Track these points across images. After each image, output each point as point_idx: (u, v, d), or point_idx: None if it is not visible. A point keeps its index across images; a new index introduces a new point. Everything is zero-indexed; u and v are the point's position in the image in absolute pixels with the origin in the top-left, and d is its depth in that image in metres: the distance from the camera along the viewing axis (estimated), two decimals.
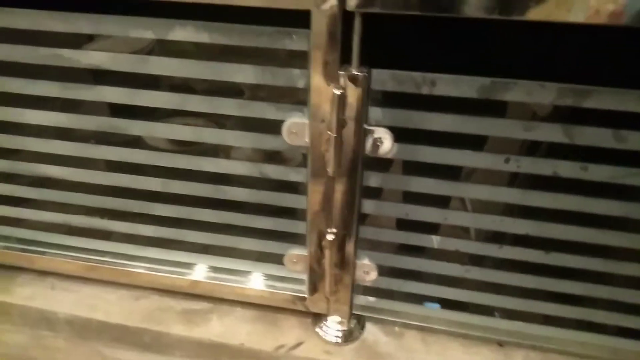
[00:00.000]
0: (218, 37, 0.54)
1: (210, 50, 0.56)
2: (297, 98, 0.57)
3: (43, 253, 0.78)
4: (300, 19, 0.50)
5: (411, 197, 0.61)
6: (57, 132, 0.66)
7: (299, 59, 0.53)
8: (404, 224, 0.64)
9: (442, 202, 0.62)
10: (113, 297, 0.78)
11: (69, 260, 0.77)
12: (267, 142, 0.60)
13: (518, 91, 0.50)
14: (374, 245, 0.66)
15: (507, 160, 0.55)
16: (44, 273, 0.80)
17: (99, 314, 0.76)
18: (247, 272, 0.74)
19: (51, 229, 0.77)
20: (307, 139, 0.58)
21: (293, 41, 0.52)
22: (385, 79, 0.52)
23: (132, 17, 0.54)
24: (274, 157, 0.65)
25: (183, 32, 0.54)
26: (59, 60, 0.58)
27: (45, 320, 0.78)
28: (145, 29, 0.54)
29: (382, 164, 0.59)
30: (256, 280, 0.74)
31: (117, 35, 0.56)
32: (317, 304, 0.72)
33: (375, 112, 0.54)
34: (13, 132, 0.67)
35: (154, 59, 0.56)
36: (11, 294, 0.78)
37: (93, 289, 0.79)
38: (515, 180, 0.66)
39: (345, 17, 0.49)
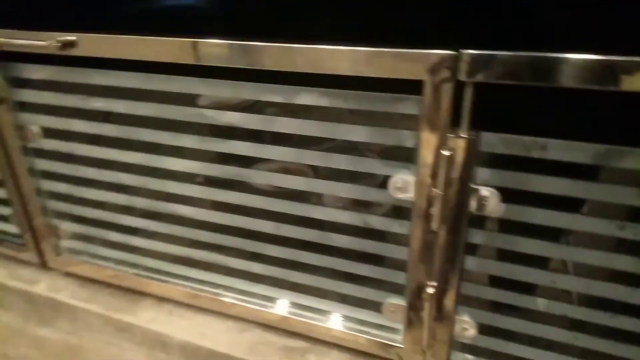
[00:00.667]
0: (337, 102, 0.60)
1: (326, 111, 0.63)
2: (405, 156, 0.61)
3: (165, 282, 0.88)
4: (411, 87, 0.55)
5: (516, 257, 0.61)
6: (188, 177, 0.76)
7: (409, 121, 0.58)
8: (507, 283, 0.64)
9: (548, 264, 0.61)
10: (221, 328, 0.85)
11: (187, 290, 0.86)
12: (373, 194, 0.65)
13: (634, 159, 0.49)
14: (474, 302, 0.66)
15: (621, 227, 0.53)
16: (164, 300, 0.90)
17: (208, 342, 0.83)
18: (346, 317, 0.77)
19: (174, 260, 0.87)
20: (412, 194, 0.61)
21: (405, 106, 0.57)
22: (494, 142, 0.55)
23: (265, 84, 0.63)
24: (378, 208, 0.69)
25: (308, 97, 0.61)
26: (201, 118, 0.69)
27: (161, 343, 0.87)
28: (276, 94, 0.63)
29: (487, 222, 0.60)
30: (354, 325, 0.76)
31: (251, 99, 0.65)
32: (412, 356, 0.72)
33: (482, 173, 0.57)
34: (154, 175, 0.79)
35: (280, 119, 0.64)
36: (136, 315, 0.88)
37: (204, 318, 0.87)
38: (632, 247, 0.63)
39: (456, 84, 0.52)
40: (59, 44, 0.69)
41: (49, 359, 1.04)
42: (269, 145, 0.67)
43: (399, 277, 0.69)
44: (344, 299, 0.76)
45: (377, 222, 0.67)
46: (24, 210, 0.92)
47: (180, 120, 0.70)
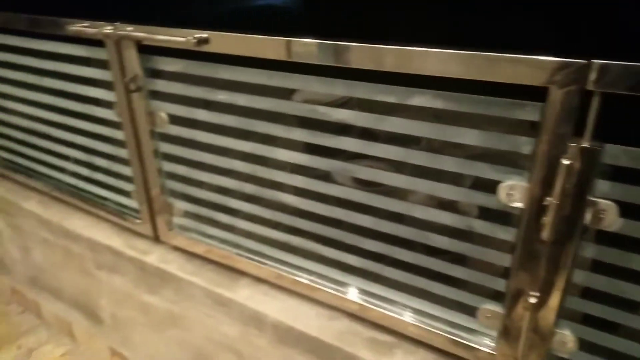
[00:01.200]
0: (452, 105, 0.62)
1: (433, 112, 0.65)
2: (517, 162, 0.61)
3: (263, 264, 0.94)
4: (532, 93, 0.55)
5: (627, 274, 0.59)
6: (296, 169, 0.81)
7: (527, 128, 0.58)
8: (616, 301, 0.62)
9: None
10: (312, 313, 0.90)
11: (283, 274, 0.92)
12: (480, 199, 0.65)
13: None
14: (578, 317, 0.65)
15: None
16: (260, 280, 0.97)
17: (299, 324, 0.88)
18: (437, 317, 0.78)
19: (274, 244, 0.93)
20: (522, 201, 0.61)
21: (525, 112, 0.57)
22: (618, 154, 0.53)
23: (379, 84, 0.66)
24: (484, 213, 0.70)
25: (421, 99, 0.63)
26: (315, 114, 0.73)
27: (256, 320, 0.93)
28: (389, 95, 0.65)
29: (601, 236, 0.58)
30: (443, 326, 0.77)
31: (364, 97, 0.68)
32: None
33: (602, 185, 0.55)
34: (263, 164, 0.85)
35: (392, 119, 0.67)
36: (235, 292, 0.96)
37: (296, 302, 0.92)
38: None
39: (582, 93, 0.52)
40: (195, 40, 0.76)
41: (152, 323, 1.16)
42: (376, 143, 0.70)
43: (498, 284, 0.69)
44: (438, 300, 0.77)
45: (481, 226, 0.67)
46: (145, 187, 1.03)
47: (292, 115, 0.75)
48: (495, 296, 0.70)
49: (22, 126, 1.25)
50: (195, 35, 0.77)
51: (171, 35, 0.80)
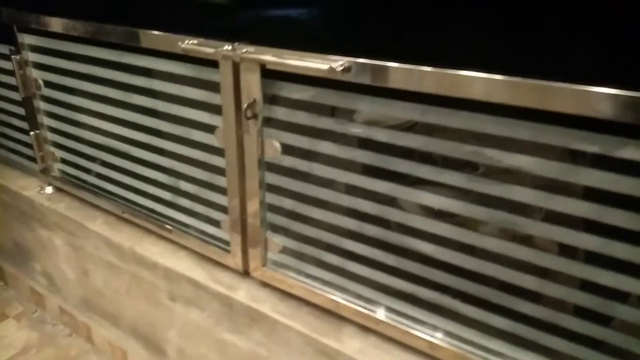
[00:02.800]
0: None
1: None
2: None
3: (373, 312, 0.85)
4: None
5: None
6: (432, 213, 0.73)
7: None
8: None
9: None
10: None
11: (396, 325, 0.83)
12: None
13: None
14: None
15: None
16: (369, 330, 0.88)
17: None
18: None
19: (388, 292, 0.84)
20: None
21: None
22: None
23: (578, 130, 0.58)
24: None
25: (633, 152, 0.55)
26: (479, 157, 0.65)
27: None
28: (590, 144, 0.57)
29: None
30: None
31: (554, 145, 0.60)
32: None
33: None
34: (391, 205, 0.77)
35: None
36: (342, 343, 0.87)
37: (408, 356, 0.83)
38: None
39: None
40: (340, 69, 0.69)
41: None
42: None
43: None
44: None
45: None
46: (241, 218, 0.94)
47: (452, 157, 0.67)
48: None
49: (94, 141, 1.18)
50: (339, 64, 0.69)
51: (306, 61, 0.72)
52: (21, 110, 1.31)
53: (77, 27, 1.03)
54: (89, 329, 1.42)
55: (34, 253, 1.47)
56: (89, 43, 1.04)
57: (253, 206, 0.92)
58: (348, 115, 0.75)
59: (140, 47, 0.94)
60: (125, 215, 1.19)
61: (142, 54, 0.96)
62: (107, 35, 0.98)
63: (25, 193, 1.36)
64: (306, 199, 0.86)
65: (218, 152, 0.93)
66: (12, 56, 1.19)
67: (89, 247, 1.25)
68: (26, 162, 1.43)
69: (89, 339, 1.44)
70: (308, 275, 0.92)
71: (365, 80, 0.70)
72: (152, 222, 1.13)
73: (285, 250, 0.94)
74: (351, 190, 0.80)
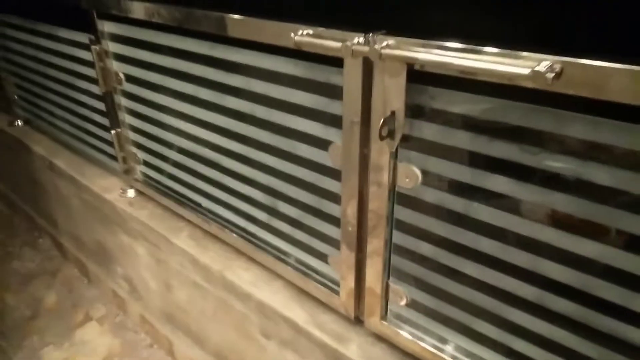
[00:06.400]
0: None
1: None
2: None
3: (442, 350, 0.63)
4: None
5: None
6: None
7: None
8: None
9: None
10: None
11: None
12: None
13: None
14: None
15: None
16: None
17: None
18: None
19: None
20: None
21: None
22: None
23: None
24: None
25: None
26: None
27: None
28: None
29: None
30: None
31: None
32: None
33: None
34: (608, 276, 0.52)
35: None
36: None
37: None
38: None
39: None
40: (552, 74, 0.44)
41: None
42: None
43: None
44: None
45: None
46: (357, 259, 0.74)
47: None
48: None
49: (180, 146, 1.02)
50: (546, 65, 0.45)
51: (489, 62, 0.48)
52: (102, 105, 1.19)
53: (162, 13, 0.86)
54: (171, 343, 1.31)
55: (116, 256, 1.38)
56: (176, 32, 0.87)
57: (374, 244, 0.71)
58: (544, 141, 0.51)
59: (238, 39, 0.75)
60: (213, 231, 1.04)
61: (239, 47, 0.77)
62: (198, 23, 0.80)
63: (107, 196, 1.25)
64: (455, 247, 0.63)
65: (331, 173, 0.73)
66: (92, 46, 1.06)
67: (172, 263, 1.12)
68: (107, 160, 1.32)
69: (171, 353, 1.33)
70: (443, 340, 0.70)
71: (584, 91, 0.45)
72: (244, 243, 0.96)
73: (414, 305, 0.72)
74: (531, 245, 0.56)
